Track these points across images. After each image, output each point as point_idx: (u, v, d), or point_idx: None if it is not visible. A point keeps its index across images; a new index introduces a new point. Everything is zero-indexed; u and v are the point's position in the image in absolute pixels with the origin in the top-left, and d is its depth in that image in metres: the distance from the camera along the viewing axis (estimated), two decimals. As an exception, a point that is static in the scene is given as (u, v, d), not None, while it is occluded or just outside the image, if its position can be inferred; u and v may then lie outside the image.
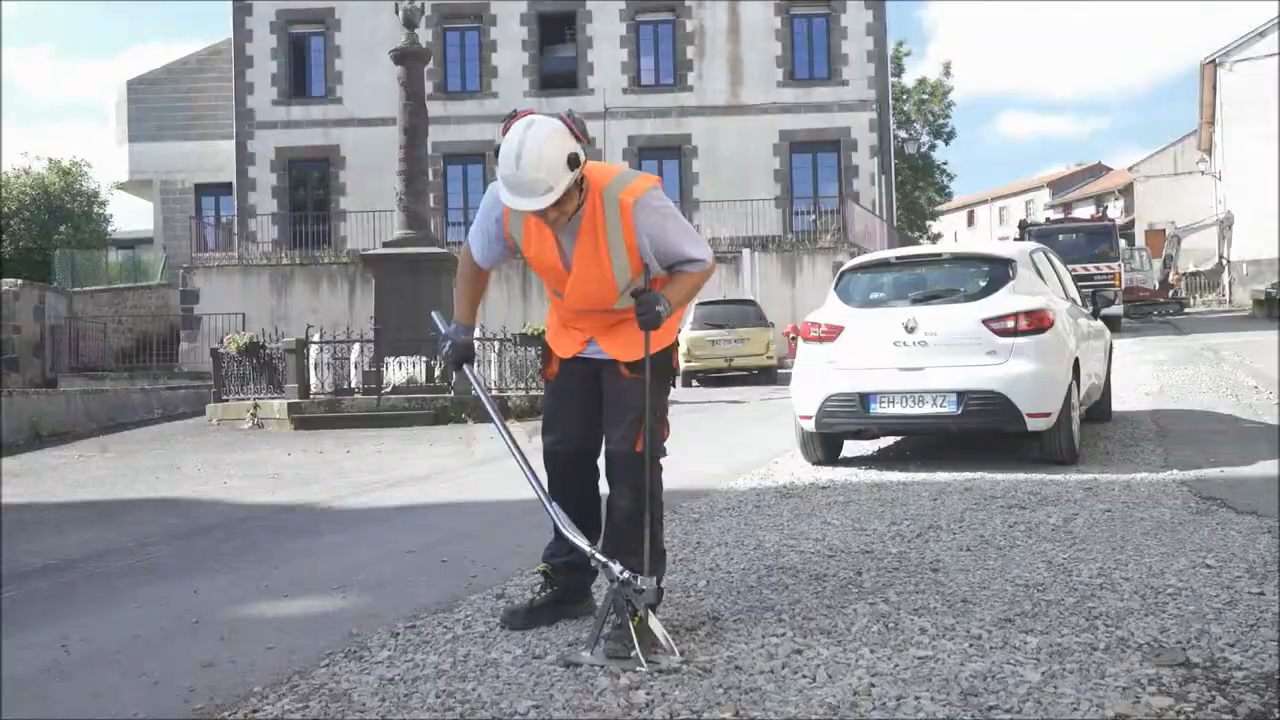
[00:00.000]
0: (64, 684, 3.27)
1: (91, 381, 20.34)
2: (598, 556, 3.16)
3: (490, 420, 3.54)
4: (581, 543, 3.26)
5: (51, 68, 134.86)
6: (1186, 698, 2.63)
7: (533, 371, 13.56)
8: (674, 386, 3.54)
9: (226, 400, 14.42)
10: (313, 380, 13.84)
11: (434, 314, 3.72)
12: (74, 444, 12.58)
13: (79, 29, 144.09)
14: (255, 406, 13.62)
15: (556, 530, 3.42)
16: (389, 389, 13.32)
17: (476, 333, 3.95)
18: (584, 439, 3.43)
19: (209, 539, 5.90)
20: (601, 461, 3.44)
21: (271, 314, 22.72)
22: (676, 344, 3.51)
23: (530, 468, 3.45)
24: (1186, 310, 32.01)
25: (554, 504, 3.34)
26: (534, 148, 2.87)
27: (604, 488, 3.42)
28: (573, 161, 2.90)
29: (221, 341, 15.51)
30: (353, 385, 13.86)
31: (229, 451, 10.64)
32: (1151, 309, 30.61)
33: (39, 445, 12.60)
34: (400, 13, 14.66)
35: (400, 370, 13.49)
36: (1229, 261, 33.03)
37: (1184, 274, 35.93)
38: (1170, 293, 32.72)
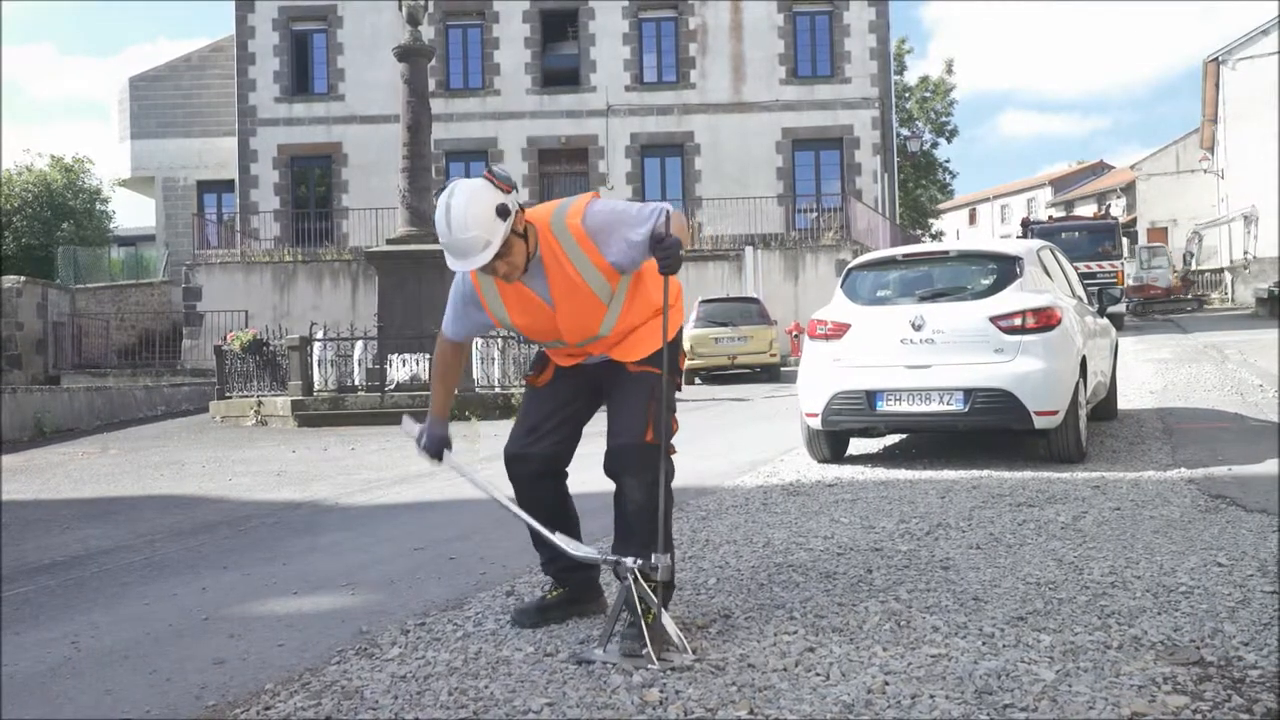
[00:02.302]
0: (75, 681, 3.26)
1: (94, 379, 20.32)
2: (609, 559, 3.16)
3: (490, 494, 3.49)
4: (588, 554, 3.26)
5: (55, 66, 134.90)
6: (1203, 696, 2.62)
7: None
8: (680, 388, 3.52)
9: (230, 397, 14.44)
10: (316, 377, 13.84)
11: (405, 418, 3.67)
12: (77, 441, 12.58)
13: (83, 27, 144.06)
14: (258, 404, 13.63)
15: (536, 537, 3.41)
16: (392, 386, 13.32)
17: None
18: (556, 451, 3.42)
19: (215, 536, 5.90)
20: (573, 465, 3.46)
21: (274, 311, 22.73)
22: (681, 344, 3.51)
23: (530, 521, 3.39)
24: (1205, 307, 31.91)
25: (557, 534, 3.30)
26: (460, 208, 2.95)
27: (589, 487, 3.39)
28: (502, 212, 2.96)
29: (224, 338, 15.51)
30: (356, 382, 13.87)
31: (233, 449, 10.64)
32: (1170, 306, 30.56)
33: (42, 442, 12.61)
34: (403, 9, 14.64)
35: (404, 367, 13.49)
36: (1254, 257, 32.88)
37: (1202, 271, 35.87)
38: (1189, 290, 32.72)
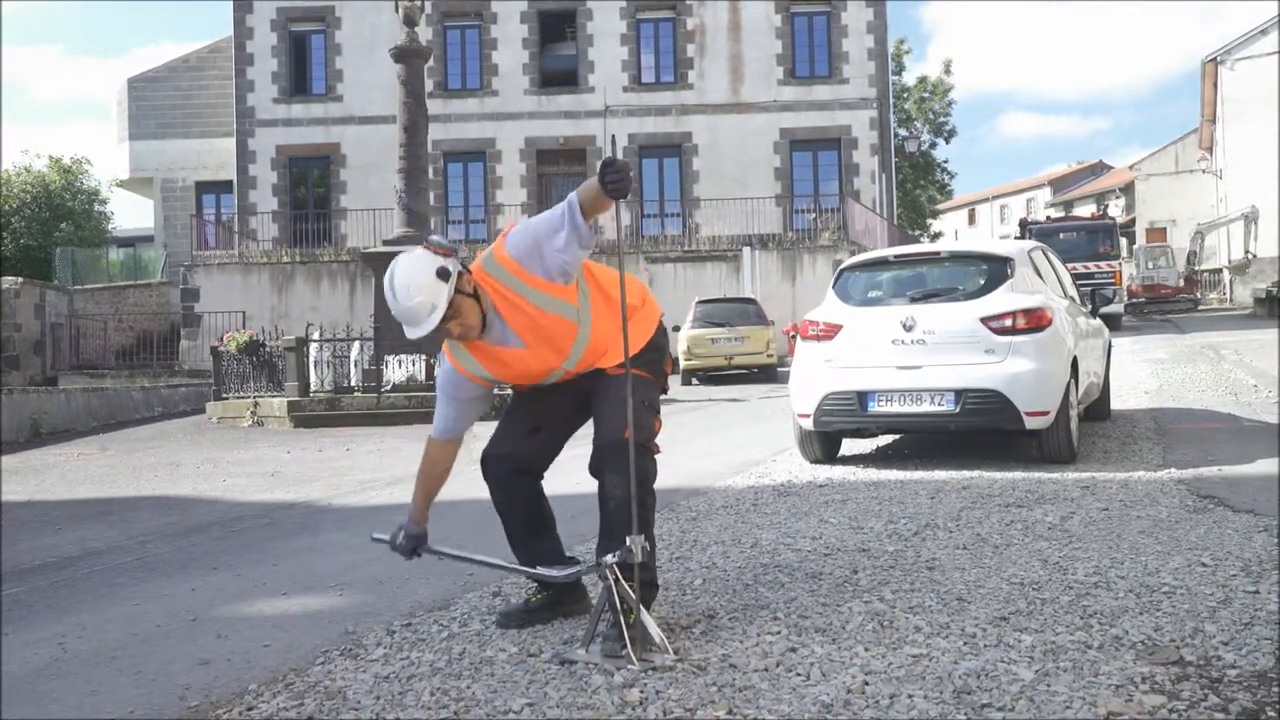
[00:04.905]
0: (61, 681, 3.28)
1: (92, 379, 20.36)
2: (588, 568, 3.20)
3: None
4: (570, 574, 3.33)
5: (60, 66, 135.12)
6: (1179, 696, 2.63)
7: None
8: (665, 390, 3.55)
9: (226, 398, 14.45)
10: (313, 378, 13.85)
11: (373, 536, 3.70)
12: (74, 442, 12.60)
13: (89, 29, 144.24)
14: (255, 405, 13.64)
15: (513, 538, 3.52)
16: (389, 387, 13.33)
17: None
18: (533, 451, 3.47)
19: (207, 537, 5.91)
20: (554, 467, 3.51)
21: (272, 312, 22.74)
22: (668, 350, 3.53)
23: (518, 569, 3.50)
24: (1200, 308, 31.94)
25: (539, 568, 3.38)
26: (403, 278, 3.06)
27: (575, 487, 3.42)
28: (442, 274, 3.05)
29: (221, 339, 15.52)
30: (353, 383, 13.88)
31: (228, 450, 10.65)
32: (1169, 307, 30.61)
33: (39, 443, 12.63)
34: (400, 10, 14.64)
35: (400, 368, 13.50)
36: (1254, 256, 32.91)
37: (1202, 271, 35.91)
38: (1194, 290, 32.78)
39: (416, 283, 3.05)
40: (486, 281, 3.19)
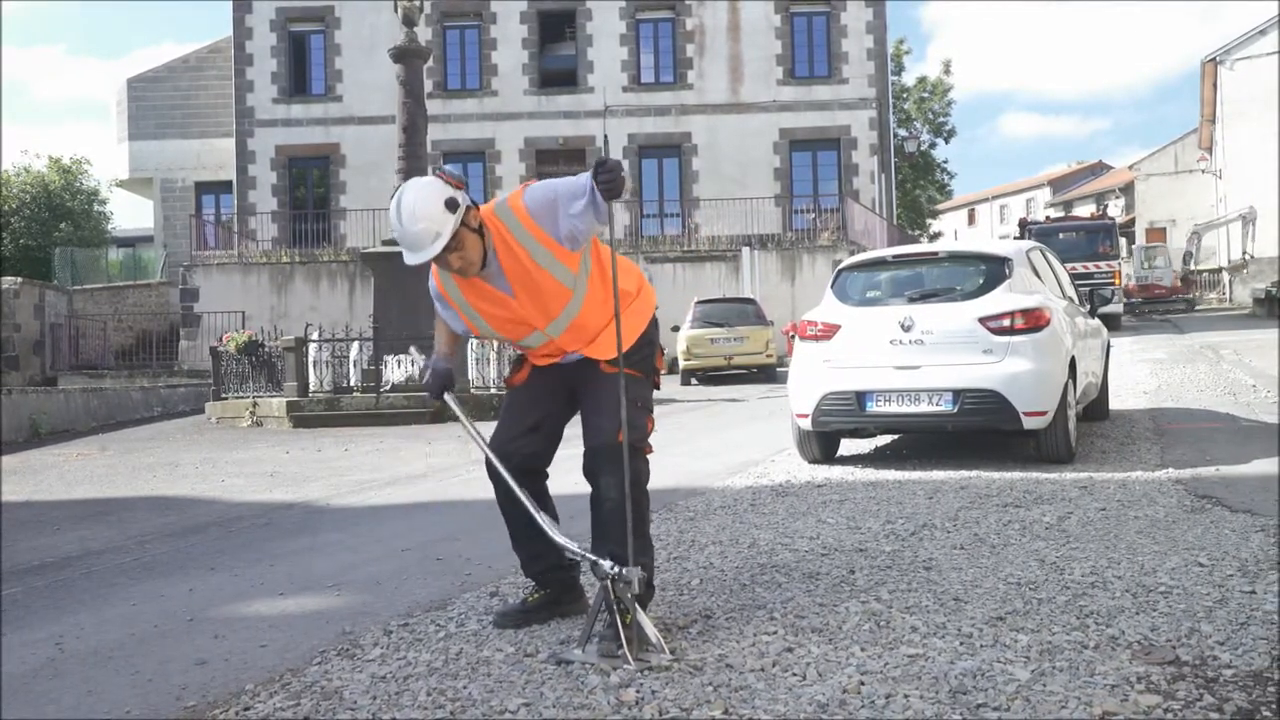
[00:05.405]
0: (57, 681, 3.28)
1: (91, 379, 20.36)
2: (587, 556, 3.17)
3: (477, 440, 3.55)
4: (569, 543, 3.26)
5: (62, 67, 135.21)
6: (1174, 695, 2.64)
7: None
8: (658, 387, 3.54)
9: (226, 398, 14.45)
10: (312, 379, 13.84)
11: (412, 348, 3.76)
12: (73, 442, 12.60)
13: (92, 29, 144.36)
14: (254, 405, 13.64)
15: (515, 537, 3.48)
16: (388, 387, 13.33)
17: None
18: (535, 449, 3.46)
19: (206, 537, 5.91)
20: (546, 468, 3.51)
21: (271, 312, 22.75)
22: (659, 344, 3.52)
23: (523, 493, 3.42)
24: (1198, 308, 31.95)
25: (541, 514, 3.32)
26: (410, 203, 3.06)
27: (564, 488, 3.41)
28: (450, 205, 3.05)
29: (221, 340, 15.52)
30: (352, 384, 13.87)
31: (227, 450, 10.65)
32: (1167, 306, 30.63)
33: (38, 443, 12.63)
34: (398, 11, 14.64)
35: (399, 368, 13.49)
36: (1251, 256, 32.93)
37: (1201, 271, 35.92)
38: (1189, 290, 32.80)
39: (424, 209, 3.03)
40: (494, 224, 3.17)
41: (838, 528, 4.92)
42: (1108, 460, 6.72)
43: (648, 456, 3.34)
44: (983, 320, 6.47)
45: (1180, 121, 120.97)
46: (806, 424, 6.98)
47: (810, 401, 6.88)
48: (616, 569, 3.05)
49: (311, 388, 13.78)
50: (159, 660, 3.42)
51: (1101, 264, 23.69)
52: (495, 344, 13.95)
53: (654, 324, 3.49)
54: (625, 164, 3.25)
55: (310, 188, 28.03)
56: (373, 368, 13.56)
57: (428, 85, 16.61)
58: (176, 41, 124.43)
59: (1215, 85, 35.64)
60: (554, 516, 3.53)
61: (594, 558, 3.14)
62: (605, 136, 4.44)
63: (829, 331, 6.94)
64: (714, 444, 8.95)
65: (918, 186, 41.80)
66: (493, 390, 13.55)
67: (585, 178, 3.11)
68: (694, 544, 4.69)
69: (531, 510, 3.30)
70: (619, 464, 3.16)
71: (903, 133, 35.78)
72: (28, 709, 3.04)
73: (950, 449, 7.50)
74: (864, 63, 27.20)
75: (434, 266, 3.28)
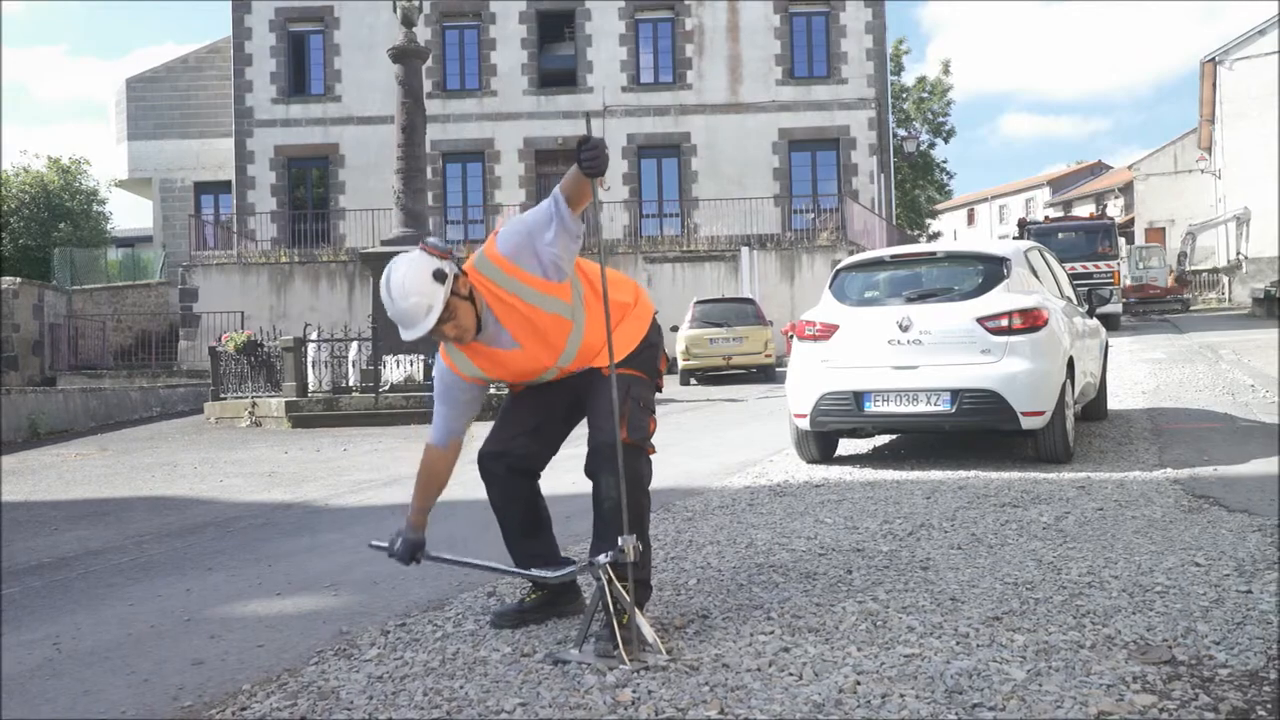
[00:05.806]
0: (54, 681, 3.28)
1: (90, 380, 20.37)
2: (583, 566, 3.20)
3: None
4: (564, 574, 3.32)
5: (63, 67, 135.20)
6: (1170, 695, 2.64)
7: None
8: (660, 389, 3.55)
9: (224, 399, 14.45)
10: (310, 379, 13.85)
11: (371, 544, 3.71)
12: (72, 442, 12.60)
13: (93, 30, 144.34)
14: (253, 405, 13.64)
15: (509, 536, 3.52)
16: (387, 387, 13.34)
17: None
18: (530, 451, 3.47)
19: (204, 537, 5.91)
20: (550, 467, 3.53)
21: (270, 312, 22.75)
22: (662, 348, 3.53)
23: (516, 571, 3.49)
24: (1193, 309, 31.99)
25: (533, 570, 3.39)
26: (399, 279, 3.08)
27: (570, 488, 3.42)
28: (438, 276, 3.06)
29: (220, 340, 15.52)
30: (351, 384, 13.88)
31: (226, 450, 10.65)
32: (1163, 306, 30.66)
33: (37, 443, 12.63)
34: (397, 11, 14.64)
35: (398, 369, 13.50)
36: (1245, 257, 32.96)
37: (1198, 271, 35.96)
38: (1185, 290, 32.84)
39: (413, 284, 3.06)
40: (480, 282, 3.19)
41: (835, 528, 4.92)
42: (1105, 460, 6.72)
43: (650, 457, 3.35)
44: (981, 320, 6.47)
45: (1180, 121, 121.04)
46: (805, 424, 6.98)
47: (808, 401, 6.88)
48: (611, 554, 3.05)
49: (310, 388, 13.79)
50: (156, 660, 3.43)
51: (1100, 264, 23.68)
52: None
53: (655, 328, 3.52)
54: (608, 142, 3.26)
55: (309, 188, 28.02)
56: (371, 368, 13.56)
57: (427, 85, 16.62)
58: (176, 41, 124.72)
59: (1214, 85, 35.68)
60: (546, 518, 3.55)
61: (589, 561, 3.15)
62: (586, 115, 4.36)
63: (827, 331, 6.94)
64: (712, 444, 8.96)
65: (917, 186, 41.80)
66: (492, 390, 13.55)
67: (548, 203, 3.13)
68: (691, 544, 4.70)
69: (522, 573, 3.41)
70: (622, 462, 3.18)
71: (902, 133, 35.79)
72: (25, 709, 3.04)
73: (948, 449, 7.50)
74: (863, 63, 27.19)
75: (441, 349, 3.30)
